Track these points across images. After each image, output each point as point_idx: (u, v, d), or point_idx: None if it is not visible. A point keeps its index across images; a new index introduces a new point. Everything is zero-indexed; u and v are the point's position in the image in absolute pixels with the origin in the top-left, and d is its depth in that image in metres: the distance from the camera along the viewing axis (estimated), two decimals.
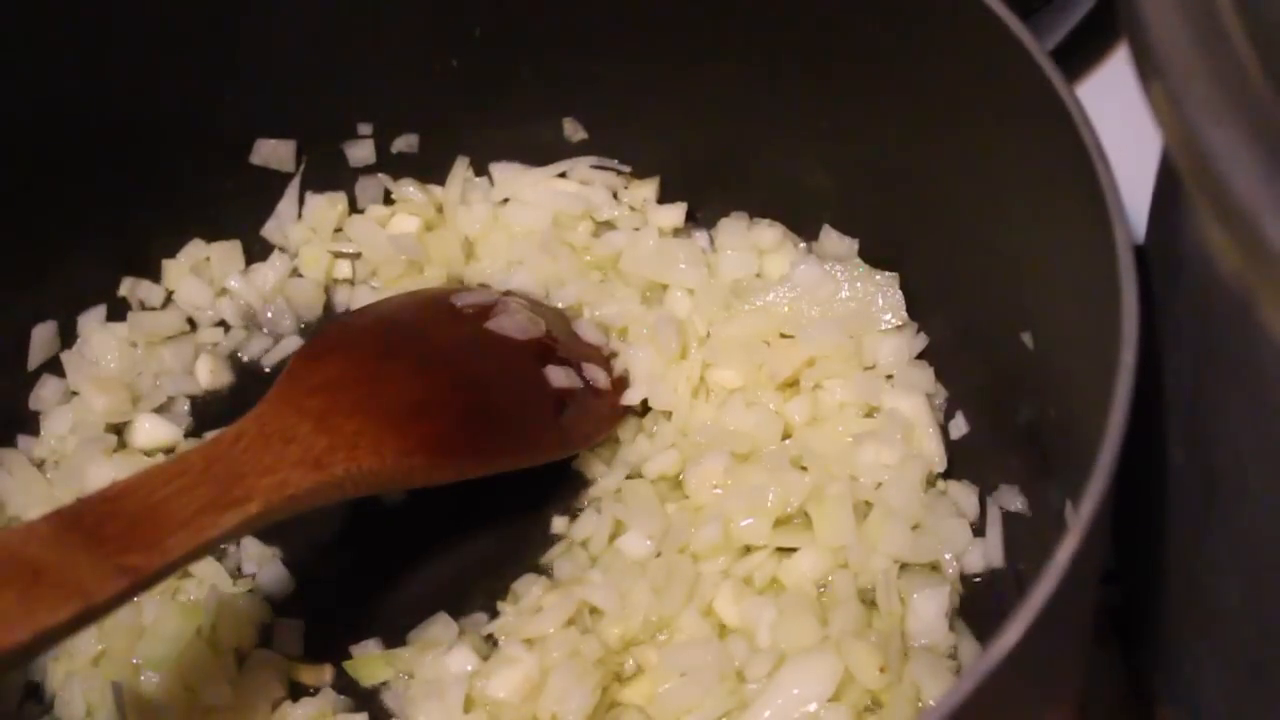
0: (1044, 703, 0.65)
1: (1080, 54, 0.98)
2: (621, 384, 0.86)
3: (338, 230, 0.94)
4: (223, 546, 0.81)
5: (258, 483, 0.66)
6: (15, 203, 0.84)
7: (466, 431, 0.76)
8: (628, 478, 0.85)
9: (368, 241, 0.93)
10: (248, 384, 0.91)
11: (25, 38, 0.81)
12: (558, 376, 0.82)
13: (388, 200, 0.95)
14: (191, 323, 0.93)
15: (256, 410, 0.71)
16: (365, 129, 0.93)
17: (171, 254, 0.93)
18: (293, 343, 0.92)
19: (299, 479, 0.67)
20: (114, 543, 0.60)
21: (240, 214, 0.94)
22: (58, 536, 0.60)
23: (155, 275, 0.93)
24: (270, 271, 0.93)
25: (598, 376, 0.85)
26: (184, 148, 0.89)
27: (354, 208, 0.95)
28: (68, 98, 0.83)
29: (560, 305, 0.92)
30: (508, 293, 0.89)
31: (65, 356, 0.90)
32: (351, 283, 0.94)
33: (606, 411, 0.84)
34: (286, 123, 0.92)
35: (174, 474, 0.65)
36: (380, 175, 0.95)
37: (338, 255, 0.94)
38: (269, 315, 0.93)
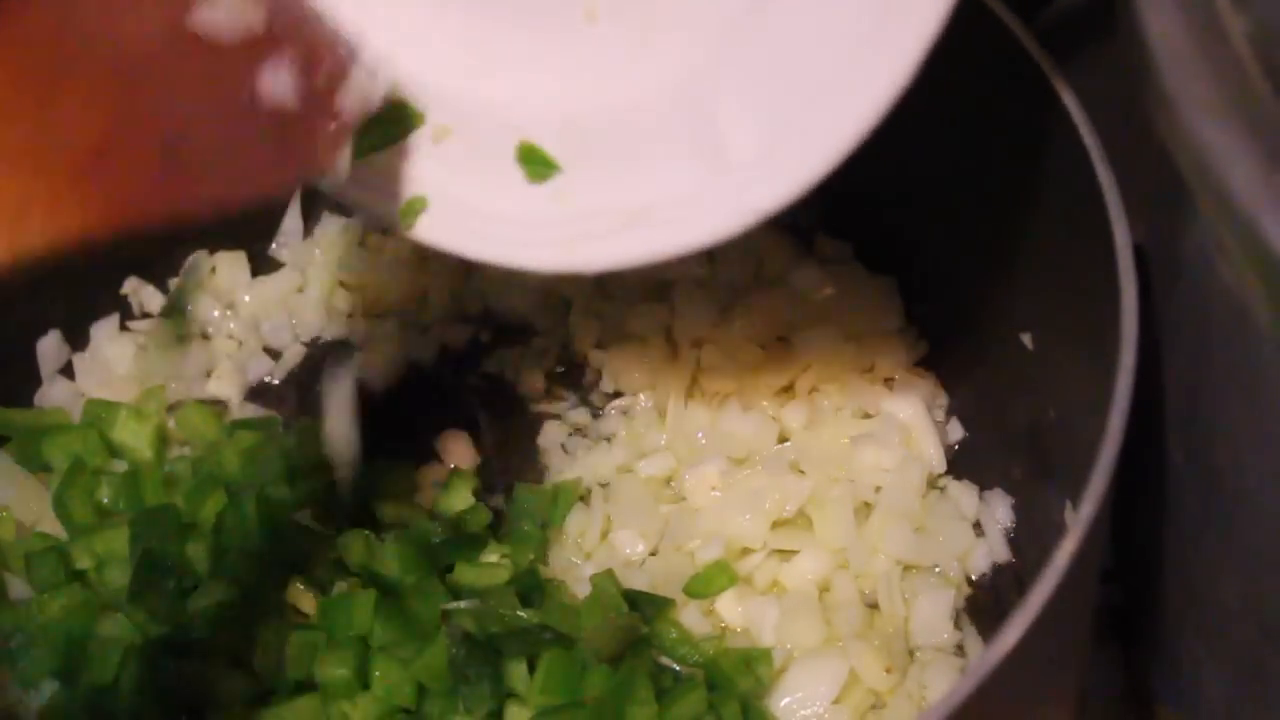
0: (1044, 702, 0.65)
1: (1080, 53, 0.98)
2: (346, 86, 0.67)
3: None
4: None
5: None
6: None
7: (161, 174, 0.59)
8: (619, 472, 0.85)
9: (368, 271, 0.93)
10: (256, 391, 0.92)
11: None
12: (275, 85, 0.64)
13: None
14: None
15: None
16: None
17: (176, 262, 0.93)
18: (296, 351, 0.93)
19: None
20: None
21: (245, 224, 0.94)
22: None
23: (158, 280, 0.93)
24: (275, 286, 0.94)
25: (328, 78, 0.66)
26: None
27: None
28: None
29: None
30: None
31: (77, 360, 0.91)
32: (347, 315, 0.94)
33: (333, 126, 0.66)
34: None
35: None
36: None
37: (341, 284, 0.94)
38: (268, 329, 0.93)
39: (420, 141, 0.70)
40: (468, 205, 0.69)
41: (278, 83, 0.64)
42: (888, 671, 0.74)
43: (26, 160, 0.54)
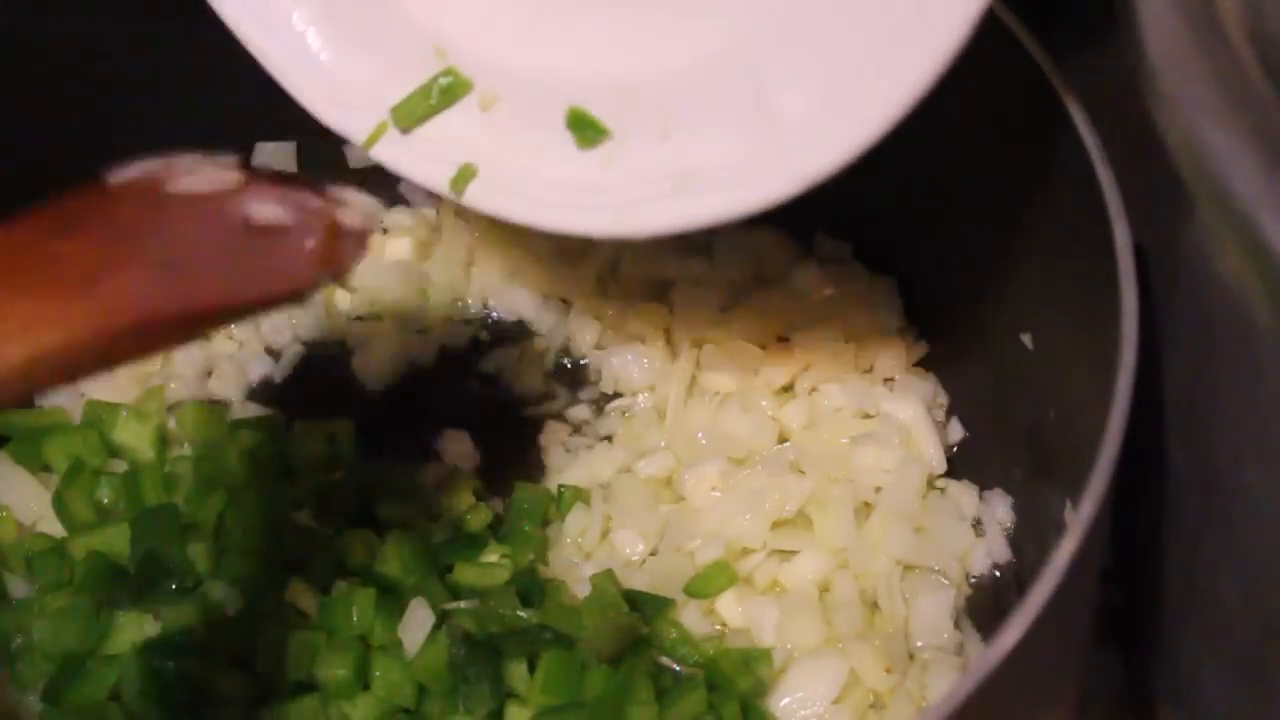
0: (1044, 703, 0.65)
1: (1080, 53, 0.98)
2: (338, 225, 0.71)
3: None
4: None
5: None
6: (15, 210, 0.84)
7: (162, 286, 0.67)
8: (619, 472, 0.85)
9: (368, 273, 0.93)
10: (256, 392, 0.91)
11: (21, 42, 0.80)
12: (264, 212, 0.70)
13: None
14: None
15: None
16: None
17: None
18: (296, 351, 0.93)
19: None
20: None
21: None
22: None
23: None
24: None
25: (316, 207, 0.71)
26: (184, 151, 0.89)
27: None
28: (65, 102, 0.83)
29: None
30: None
31: None
32: (348, 318, 0.94)
33: (330, 241, 0.71)
34: (286, 125, 0.92)
35: None
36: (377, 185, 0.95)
37: (341, 284, 0.94)
38: (268, 329, 0.93)
39: (468, 109, 0.70)
40: (517, 171, 0.69)
41: (262, 210, 0.69)
42: (888, 671, 0.74)
43: (34, 286, 0.63)
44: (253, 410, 0.90)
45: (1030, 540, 0.79)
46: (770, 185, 0.63)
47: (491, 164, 0.70)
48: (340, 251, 0.71)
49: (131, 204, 0.71)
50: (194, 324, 0.69)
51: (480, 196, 0.70)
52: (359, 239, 0.71)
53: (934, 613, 0.77)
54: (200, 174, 0.72)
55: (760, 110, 0.63)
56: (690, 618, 0.78)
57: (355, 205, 0.71)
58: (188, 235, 0.70)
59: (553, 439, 0.88)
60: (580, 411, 0.89)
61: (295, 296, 0.72)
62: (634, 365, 0.88)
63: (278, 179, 0.73)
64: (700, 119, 0.66)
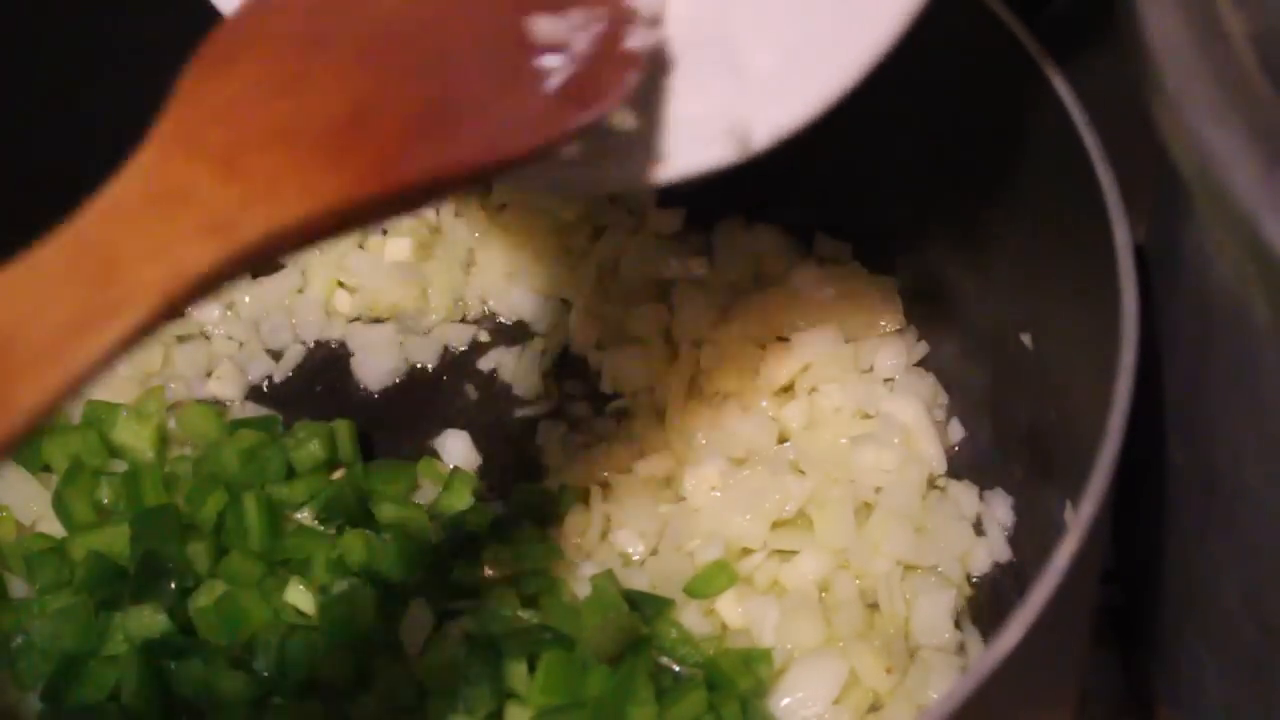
0: (1044, 703, 0.65)
1: (1080, 53, 0.98)
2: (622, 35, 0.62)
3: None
4: None
5: (145, 272, 0.48)
6: (16, 212, 0.84)
7: (423, 140, 0.55)
8: (618, 472, 0.85)
9: (367, 272, 0.93)
10: (256, 392, 0.91)
11: (22, 41, 0.80)
12: (549, 28, 0.59)
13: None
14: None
15: (135, 162, 0.51)
16: None
17: None
18: (296, 351, 0.93)
19: (202, 255, 0.48)
20: None
21: None
22: None
23: None
24: (275, 287, 0.94)
25: (602, 24, 0.61)
26: None
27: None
28: (64, 104, 0.83)
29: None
30: None
31: None
32: (347, 318, 0.94)
33: (611, 72, 0.60)
34: None
35: (20, 283, 0.47)
36: None
37: (340, 284, 0.94)
38: (268, 329, 0.93)
39: None
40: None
41: (554, 25, 0.60)
42: (888, 672, 0.74)
43: (280, 137, 0.52)
44: (252, 410, 0.90)
45: (1030, 540, 0.79)
46: (745, 139, 0.63)
47: None
48: (618, 80, 0.59)
49: (393, 18, 0.58)
50: (449, 182, 0.56)
51: None
52: (635, 62, 0.59)
53: (934, 613, 0.77)
54: None
55: (731, 64, 0.63)
56: (690, 618, 0.78)
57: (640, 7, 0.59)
58: (460, 67, 0.58)
59: (552, 439, 0.88)
60: (580, 411, 0.89)
61: (561, 141, 0.58)
62: (634, 365, 0.88)
63: None
64: (677, 79, 0.65)
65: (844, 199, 0.88)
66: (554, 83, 0.58)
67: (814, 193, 0.88)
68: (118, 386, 0.89)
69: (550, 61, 0.58)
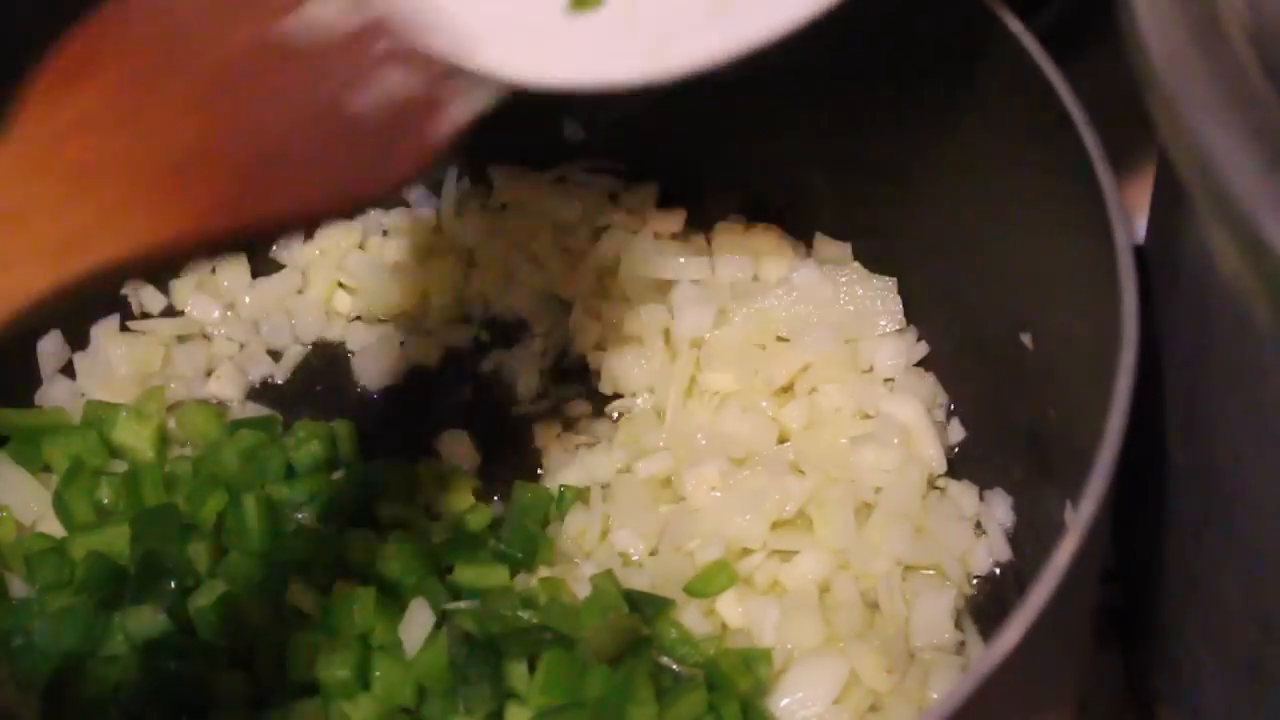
0: (1044, 703, 0.65)
1: (1080, 53, 0.98)
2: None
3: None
4: None
5: None
6: None
7: (255, 182, 0.56)
8: (618, 472, 0.85)
9: (368, 274, 0.93)
10: (256, 392, 0.91)
11: (18, 43, 0.80)
12: (394, 80, 0.60)
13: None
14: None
15: None
16: None
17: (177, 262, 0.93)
18: (297, 352, 0.93)
19: (36, 280, 0.48)
20: None
21: None
22: None
23: (159, 282, 0.93)
24: (274, 287, 0.94)
25: (439, 76, 0.62)
26: None
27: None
28: None
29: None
30: None
31: (77, 359, 0.91)
32: (347, 319, 0.94)
33: (442, 125, 0.62)
34: None
35: None
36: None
37: (340, 285, 0.94)
38: (267, 330, 0.93)
39: None
40: (540, 30, 0.66)
41: (384, 82, 0.61)
42: (888, 673, 0.74)
43: (120, 168, 0.52)
44: (252, 410, 0.90)
45: (1030, 540, 0.79)
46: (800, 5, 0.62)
47: (510, 28, 0.65)
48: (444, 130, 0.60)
49: (237, 34, 0.59)
50: (278, 224, 0.59)
51: (506, 64, 0.65)
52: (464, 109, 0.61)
53: (934, 613, 0.77)
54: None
55: None
56: (690, 618, 0.78)
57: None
58: (293, 117, 0.59)
59: (552, 439, 0.88)
60: (579, 411, 0.89)
61: (387, 192, 0.62)
62: (634, 365, 0.88)
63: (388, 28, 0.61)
64: None
65: (844, 200, 0.88)
66: (368, 149, 0.60)
67: (814, 193, 0.88)
68: (118, 386, 0.89)
69: (366, 128, 0.60)
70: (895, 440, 0.82)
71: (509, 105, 0.92)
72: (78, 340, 0.91)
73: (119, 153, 0.52)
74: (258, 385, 0.92)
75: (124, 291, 0.92)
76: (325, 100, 0.60)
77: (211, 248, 0.57)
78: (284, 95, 0.59)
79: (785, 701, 0.75)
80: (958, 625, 0.78)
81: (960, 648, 0.77)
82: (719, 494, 0.82)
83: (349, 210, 0.63)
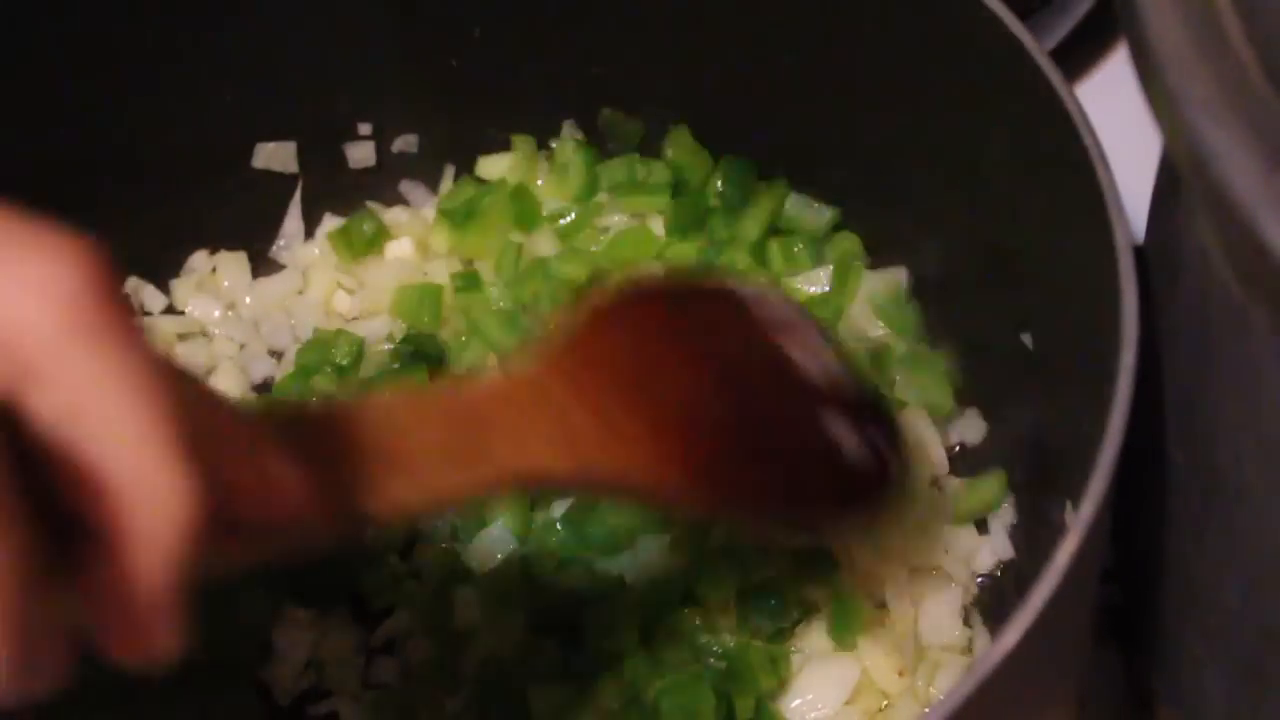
0: (1044, 702, 0.65)
1: (1080, 54, 0.98)
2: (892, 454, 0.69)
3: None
4: None
5: (502, 447, 0.53)
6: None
7: (739, 459, 0.62)
8: None
9: (367, 273, 0.93)
10: (258, 392, 0.91)
11: (18, 43, 0.80)
12: (841, 432, 0.66)
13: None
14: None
15: (511, 370, 0.58)
16: (365, 129, 0.93)
17: (177, 262, 0.93)
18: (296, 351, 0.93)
19: (550, 460, 0.54)
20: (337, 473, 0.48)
21: (245, 223, 0.94)
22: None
23: (159, 281, 0.93)
24: (274, 287, 0.94)
25: (879, 441, 0.68)
26: (184, 154, 0.89)
27: None
28: (63, 105, 0.83)
29: None
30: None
31: None
32: (347, 319, 0.94)
33: (880, 488, 0.68)
34: (286, 125, 0.92)
35: (407, 410, 0.52)
36: (377, 186, 0.95)
37: (340, 285, 0.94)
38: (267, 329, 0.93)
39: None
40: None
41: (839, 428, 0.66)
42: (900, 675, 0.74)
43: (638, 406, 0.59)
44: None
45: (1030, 540, 0.79)
46: None
47: None
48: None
49: (729, 330, 0.67)
50: (747, 509, 0.64)
51: None
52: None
53: (942, 612, 0.77)
54: (813, 346, 0.67)
55: None
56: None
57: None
58: (779, 409, 0.66)
59: None
60: None
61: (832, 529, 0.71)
62: None
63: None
64: None
65: (845, 199, 0.88)
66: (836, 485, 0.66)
67: (814, 192, 0.88)
68: None
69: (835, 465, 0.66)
70: None
71: (508, 105, 0.93)
72: None
73: (631, 394, 0.59)
74: (258, 385, 0.92)
75: (124, 291, 0.92)
76: (796, 414, 0.66)
77: (688, 505, 0.63)
78: (767, 390, 0.66)
79: (796, 703, 0.75)
80: (966, 622, 0.78)
81: (969, 646, 0.77)
82: None
83: (806, 523, 0.70)
